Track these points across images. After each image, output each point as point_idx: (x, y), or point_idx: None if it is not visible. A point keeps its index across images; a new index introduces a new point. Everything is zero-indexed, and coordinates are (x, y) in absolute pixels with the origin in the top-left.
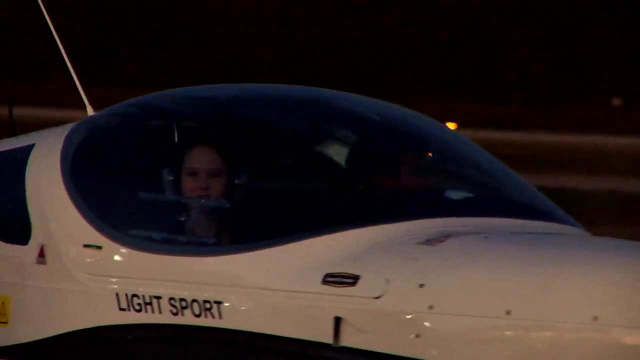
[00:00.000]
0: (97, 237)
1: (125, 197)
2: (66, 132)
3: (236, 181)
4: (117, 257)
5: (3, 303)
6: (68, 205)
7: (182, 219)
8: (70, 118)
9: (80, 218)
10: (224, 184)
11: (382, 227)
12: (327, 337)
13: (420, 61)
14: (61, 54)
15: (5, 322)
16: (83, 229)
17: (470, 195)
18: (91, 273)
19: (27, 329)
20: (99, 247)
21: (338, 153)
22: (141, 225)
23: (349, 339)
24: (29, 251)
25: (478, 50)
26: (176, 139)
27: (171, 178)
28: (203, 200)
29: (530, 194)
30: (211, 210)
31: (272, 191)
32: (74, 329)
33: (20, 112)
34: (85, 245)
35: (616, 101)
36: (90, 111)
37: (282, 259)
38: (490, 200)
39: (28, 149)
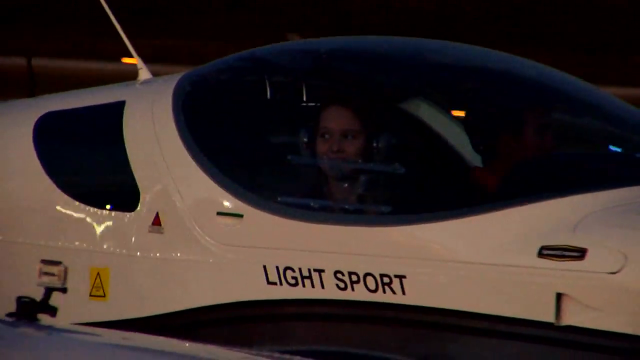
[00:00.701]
0: (235, 204)
1: (270, 161)
2: (171, 89)
3: (379, 144)
4: (264, 227)
5: (98, 275)
6: (193, 169)
7: (346, 185)
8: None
9: (212, 183)
10: (360, 147)
11: (598, 193)
12: (546, 316)
13: None
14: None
15: (103, 296)
16: (215, 195)
17: None
18: (229, 243)
19: (137, 304)
20: (239, 215)
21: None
22: (294, 192)
23: (575, 318)
24: (138, 219)
25: None
26: (309, 98)
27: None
28: (374, 165)
29: None
30: (383, 176)
31: (445, 154)
32: (206, 304)
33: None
34: (220, 213)
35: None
36: (140, 64)
37: (487, 229)
38: None
39: (117, 107)
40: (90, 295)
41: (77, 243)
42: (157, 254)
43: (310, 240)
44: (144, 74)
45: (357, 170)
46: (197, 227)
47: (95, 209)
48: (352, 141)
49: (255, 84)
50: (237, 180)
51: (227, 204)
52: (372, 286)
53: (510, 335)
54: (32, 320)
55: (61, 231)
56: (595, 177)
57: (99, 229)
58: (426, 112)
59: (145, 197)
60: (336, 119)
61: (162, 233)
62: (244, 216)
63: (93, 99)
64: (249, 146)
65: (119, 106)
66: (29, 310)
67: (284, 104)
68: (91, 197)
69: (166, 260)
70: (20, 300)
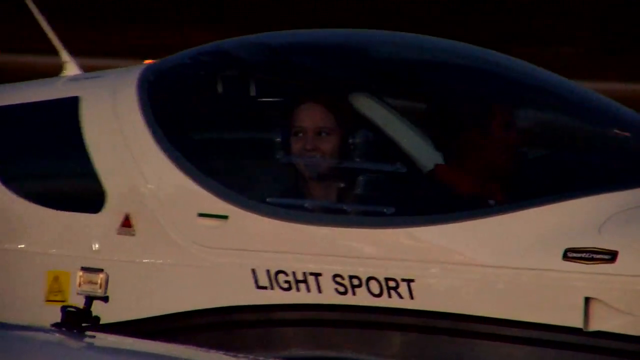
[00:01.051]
0: (218, 205)
1: (248, 159)
2: (134, 82)
3: (355, 141)
4: (252, 229)
5: (57, 278)
6: (167, 167)
7: (324, 184)
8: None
9: (191, 183)
10: (335, 144)
11: (620, 193)
12: (574, 321)
13: None
14: None
15: (63, 301)
16: (195, 196)
17: None
18: (212, 246)
19: (102, 308)
20: (224, 217)
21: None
22: (287, 192)
23: (605, 323)
24: (103, 220)
25: None
26: (281, 93)
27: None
28: (351, 163)
29: None
30: (361, 174)
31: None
32: (184, 309)
33: None
34: (202, 215)
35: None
36: (66, 57)
37: (507, 230)
38: None
39: (70, 103)
40: (47, 300)
41: (30, 245)
42: (127, 257)
43: (307, 243)
44: (71, 67)
45: (332, 169)
46: (175, 229)
47: (52, 211)
48: (327, 138)
49: (227, 77)
50: (219, 179)
51: (208, 205)
52: (376, 290)
53: (535, 342)
54: (78, 330)
55: (13, 234)
56: (615, 176)
57: (56, 232)
58: (374, 109)
59: (111, 198)
60: (309, 117)
61: (133, 235)
62: (229, 218)
63: (35, 94)
64: (226, 143)
65: (72, 102)
66: (74, 320)
67: (260, 98)
68: (47, 198)
69: (137, 264)
70: (65, 309)
